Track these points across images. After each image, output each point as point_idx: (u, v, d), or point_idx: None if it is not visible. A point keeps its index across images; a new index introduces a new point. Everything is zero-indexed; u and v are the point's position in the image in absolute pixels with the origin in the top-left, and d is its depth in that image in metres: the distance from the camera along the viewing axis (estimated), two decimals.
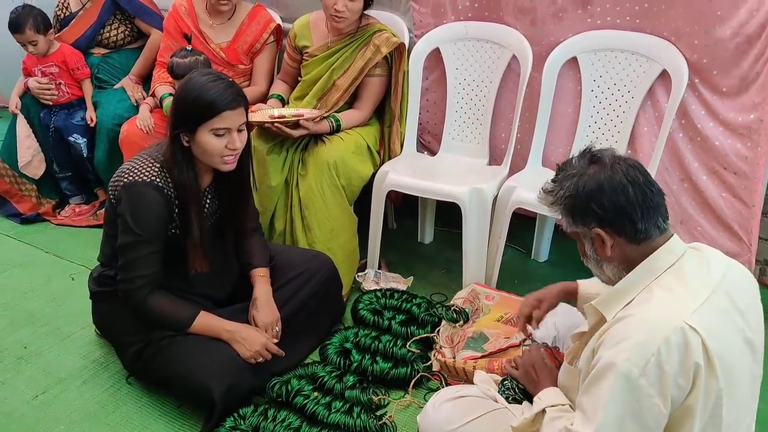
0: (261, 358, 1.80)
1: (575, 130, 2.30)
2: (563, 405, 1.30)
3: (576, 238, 1.30)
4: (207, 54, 2.56)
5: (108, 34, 3.01)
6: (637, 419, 1.09)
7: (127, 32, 3.03)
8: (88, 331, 2.16)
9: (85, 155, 2.96)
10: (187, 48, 2.46)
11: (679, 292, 1.15)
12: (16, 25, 2.79)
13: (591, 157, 1.25)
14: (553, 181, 1.29)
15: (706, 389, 1.10)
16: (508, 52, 2.37)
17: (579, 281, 1.65)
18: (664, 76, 2.11)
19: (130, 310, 1.79)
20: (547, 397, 1.34)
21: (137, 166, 1.75)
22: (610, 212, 1.19)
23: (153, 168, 1.75)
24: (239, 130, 1.74)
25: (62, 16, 3.02)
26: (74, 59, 2.92)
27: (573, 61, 2.26)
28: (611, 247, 1.22)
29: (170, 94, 2.60)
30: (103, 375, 1.97)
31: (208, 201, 1.87)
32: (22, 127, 2.95)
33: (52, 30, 2.88)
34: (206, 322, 1.80)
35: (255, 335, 1.81)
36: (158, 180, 1.74)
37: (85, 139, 2.94)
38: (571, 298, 1.68)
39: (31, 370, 2.00)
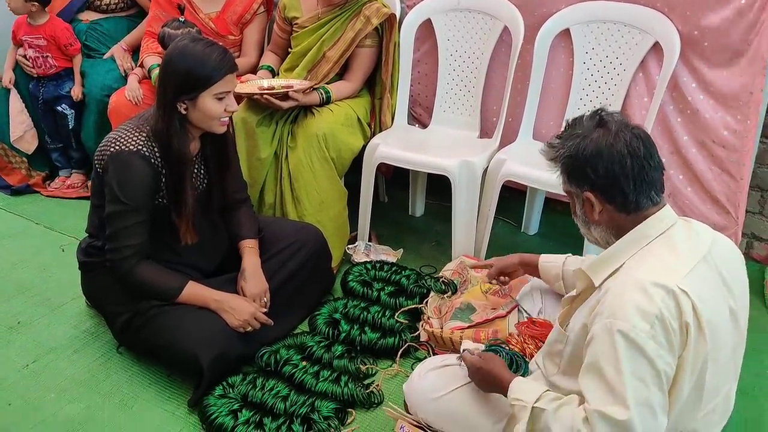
0: (249, 328, 1.82)
1: (566, 103, 2.29)
2: (545, 392, 1.24)
3: (568, 197, 1.31)
4: (197, 24, 2.53)
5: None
6: (656, 381, 1.10)
7: None
8: (78, 302, 2.17)
9: (71, 126, 2.94)
10: (180, 19, 2.42)
11: (669, 258, 1.17)
12: None
13: (599, 120, 1.24)
14: (558, 137, 1.28)
15: (695, 351, 1.12)
16: (499, 24, 2.35)
17: (541, 255, 1.73)
18: (656, 48, 2.09)
19: (118, 279, 1.80)
20: (524, 394, 1.25)
21: (123, 136, 1.75)
22: (603, 179, 1.20)
23: (139, 137, 1.74)
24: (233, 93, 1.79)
25: None
26: (65, 35, 2.86)
27: (565, 33, 2.24)
28: (599, 212, 1.23)
29: (158, 65, 2.57)
30: (94, 345, 1.99)
31: (195, 169, 1.87)
32: (15, 102, 2.93)
33: (38, 4, 2.79)
34: (194, 291, 1.81)
35: (243, 304, 1.83)
36: (145, 150, 1.74)
37: (73, 111, 2.92)
38: (530, 270, 1.77)
39: (21, 339, 2.01)
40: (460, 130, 2.50)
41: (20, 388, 1.82)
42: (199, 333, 1.74)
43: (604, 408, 1.09)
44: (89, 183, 2.95)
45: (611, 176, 1.19)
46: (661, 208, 1.22)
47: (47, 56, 2.87)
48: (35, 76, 2.90)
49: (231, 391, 1.74)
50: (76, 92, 2.88)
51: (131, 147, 1.72)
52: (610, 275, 1.22)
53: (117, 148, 1.73)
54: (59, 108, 2.91)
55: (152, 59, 2.63)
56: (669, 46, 2.02)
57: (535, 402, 1.21)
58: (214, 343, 1.74)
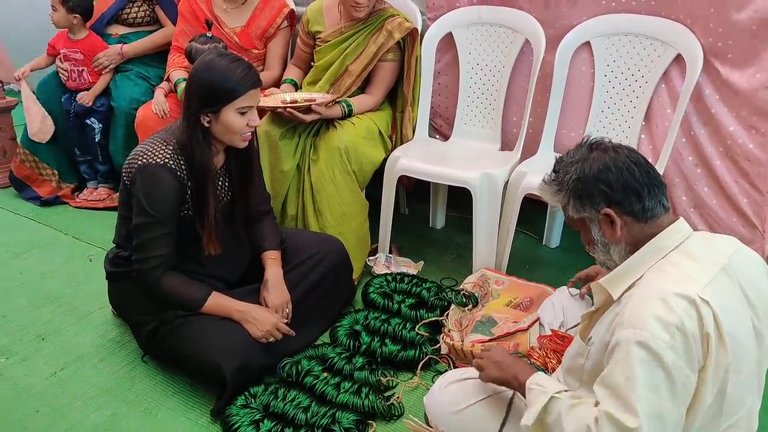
0: (272, 338, 1.84)
1: (588, 115, 2.29)
2: (567, 390, 1.25)
3: (580, 227, 1.30)
4: (221, 38, 2.58)
5: (130, 11, 3.03)
6: (672, 393, 1.08)
7: (148, 12, 3.05)
8: (105, 311, 2.21)
9: (97, 140, 3.00)
10: (207, 34, 2.47)
11: (689, 268, 1.16)
12: None
13: (590, 144, 1.28)
14: (554, 171, 1.30)
15: (716, 361, 1.11)
16: (521, 37, 2.36)
17: None
18: (678, 59, 2.08)
19: (144, 290, 1.83)
20: (545, 382, 1.26)
21: (150, 149, 1.79)
22: (619, 191, 1.21)
23: (166, 150, 1.78)
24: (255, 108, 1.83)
25: None
26: (100, 52, 2.96)
27: (586, 45, 2.24)
28: (621, 226, 1.22)
29: (184, 79, 2.62)
30: (120, 353, 2.03)
31: (219, 182, 1.90)
32: (27, 92, 2.98)
33: (80, 17, 2.90)
34: (218, 302, 1.84)
35: (266, 315, 1.85)
36: (171, 162, 1.78)
37: (101, 125, 2.99)
38: None
39: (50, 347, 2.05)
40: (481, 142, 2.51)
41: (48, 395, 1.86)
42: (223, 343, 1.76)
43: (615, 412, 1.08)
44: (115, 195, 3.01)
45: (626, 185, 1.21)
46: (675, 221, 1.23)
47: (83, 70, 2.96)
48: (69, 89, 2.98)
49: (253, 401, 1.76)
50: (88, 98, 2.96)
51: (158, 160, 1.76)
52: (629, 288, 1.21)
53: (144, 160, 1.77)
54: (88, 121, 2.99)
55: (178, 73, 2.69)
56: (691, 59, 2.01)
57: (555, 393, 1.21)
58: (237, 354, 1.76)
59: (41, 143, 3.03)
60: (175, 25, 2.91)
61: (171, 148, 1.79)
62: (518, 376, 1.31)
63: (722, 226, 2.09)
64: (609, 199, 1.22)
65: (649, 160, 2.13)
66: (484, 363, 1.40)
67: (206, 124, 1.77)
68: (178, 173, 1.78)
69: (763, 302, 1.22)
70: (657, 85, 2.14)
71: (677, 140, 2.07)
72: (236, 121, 1.76)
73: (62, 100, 3.02)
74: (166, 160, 1.77)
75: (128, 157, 1.83)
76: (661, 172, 2.04)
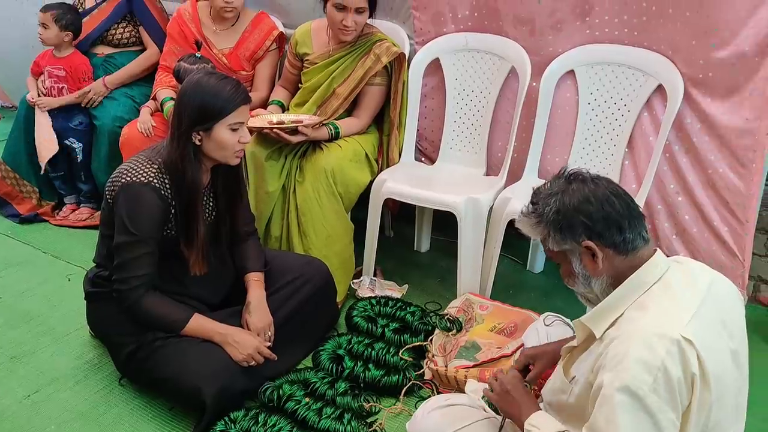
0: (253, 362, 1.81)
1: (572, 142, 2.31)
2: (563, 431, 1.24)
3: (561, 260, 1.29)
4: (210, 59, 2.58)
5: (115, 32, 3.02)
6: None
7: (133, 32, 3.04)
8: (82, 332, 2.17)
9: (80, 159, 2.97)
10: (196, 54, 2.48)
11: (670, 305, 1.16)
12: (47, 5, 2.86)
13: (569, 176, 1.28)
14: (532, 203, 1.29)
15: (700, 401, 1.10)
16: (507, 64, 2.39)
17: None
18: (660, 89, 2.12)
19: (124, 310, 1.80)
20: (541, 423, 1.26)
21: (135, 168, 1.77)
22: (599, 222, 1.20)
23: (151, 169, 1.77)
24: (246, 125, 1.84)
25: (79, 10, 3.03)
26: (83, 69, 2.95)
27: (570, 74, 2.27)
28: (602, 259, 1.21)
29: (171, 99, 2.62)
30: (96, 376, 1.98)
31: (204, 200, 1.89)
32: (43, 119, 2.91)
33: (71, 35, 2.89)
34: (200, 324, 1.81)
35: (247, 339, 1.82)
36: (156, 181, 1.76)
37: (81, 144, 2.95)
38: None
39: (24, 369, 2.01)
40: (466, 167, 2.53)
41: (21, 418, 1.81)
42: (203, 366, 1.73)
43: None
44: (97, 214, 2.97)
45: (607, 217, 1.20)
46: (653, 253, 1.23)
47: (63, 87, 2.94)
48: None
49: (233, 426, 1.72)
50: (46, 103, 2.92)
51: (142, 179, 1.75)
52: (611, 325, 1.20)
53: (128, 179, 1.75)
54: (66, 142, 2.94)
55: (165, 92, 2.68)
56: (672, 90, 2.05)
57: None
58: (217, 377, 1.73)
59: (22, 161, 2.99)
60: (158, 46, 2.92)
61: (156, 167, 1.78)
62: (521, 412, 1.31)
63: (703, 253, 2.11)
64: (590, 232, 1.21)
65: (632, 187, 2.19)
66: (495, 389, 1.40)
67: (198, 143, 1.76)
68: (163, 192, 1.77)
69: (739, 326, 1.24)
70: (639, 114, 2.17)
71: (659, 168, 2.10)
72: (228, 138, 1.76)
73: None
74: (150, 179, 1.76)
75: (112, 176, 1.81)
76: (643, 199, 2.08)
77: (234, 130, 1.77)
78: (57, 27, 2.85)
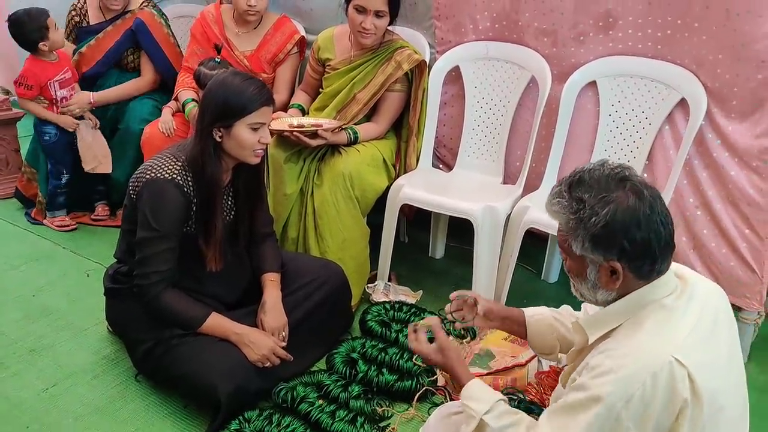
0: (268, 363, 1.82)
1: (591, 153, 2.31)
2: (497, 402, 1.30)
3: (574, 259, 1.22)
4: (231, 61, 2.61)
5: (127, 58, 3.00)
6: None
7: (136, 58, 3.01)
8: (100, 328, 2.20)
9: None
10: (216, 59, 2.50)
11: (666, 325, 1.15)
12: (37, 10, 2.67)
13: (628, 182, 1.16)
14: (575, 195, 1.17)
15: (692, 421, 1.10)
16: (527, 73, 2.39)
17: (524, 310, 1.59)
18: (683, 102, 2.11)
19: (143, 305, 1.82)
20: (473, 399, 1.31)
21: (159, 164, 1.80)
22: (638, 250, 1.14)
23: (175, 166, 1.80)
24: (268, 126, 1.85)
25: (80, 22, 2.98)
26: (68, 57, 2.86)
27: (592, 84, 2.27)
28: (620, 279, 1.17)
29: (193, 100, 2.65)
30: (113, 371, 2.00)
31: (224, 199, 1.91)
32: (85, 132, 2.85)
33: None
34: (217, 323, 1.83)
35: (263, 339, 1.84)
36: (179, 178, 1.79)
37: None
38: (515, 328, 1.60)
39: (43, 362, 2.03)
40: (483, 174, 2.53)
41: (39, 411, 1.83)
42: (219, 365, 1.75)
43: None
44: (118, 211, 3.00)
45: (646, 247, 1.14)
46: (665, 272, 1.20)
47: (73, 87, 2.88)
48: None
49: (247, 426, 1.74)
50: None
51: (166, 175, 1.78)
52: (605, 335, 1.20)
53: (152, 175, 1.78)
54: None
55: (187, 93, 2.71)
56: (695, 104, 2.04)
57: (485, 414, 1.27)
58: (233, 377, 1.75)
59: (38, 163, 2.96)
60: (161, 74, 2.94)
61: (180, 164, 1.81)
62: (458, 378, 1.41)
63: (720, 269, 2.10)
64: (623, 255, 1.15)
65: None
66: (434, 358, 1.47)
67: (218, 139, 1.79)
68: (185, 189, 1.79)
69: (728, 322, 1.24)
70: (661, 127, 2.17)
71: (679, 182, 2.09)
72: (248, 137, 1.79)
73: (44, 128, 2.85)
74: (174, 176, 1.78)
75: (137, 171, 1.84)
76: None
77: (254, 129, 1.79)
78: (57, 29, 2.74)
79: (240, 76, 1.82)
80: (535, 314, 1.58)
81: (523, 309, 1.60)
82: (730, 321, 1.24)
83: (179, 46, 3.04)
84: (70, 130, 2.84)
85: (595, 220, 1.14)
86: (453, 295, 1.62)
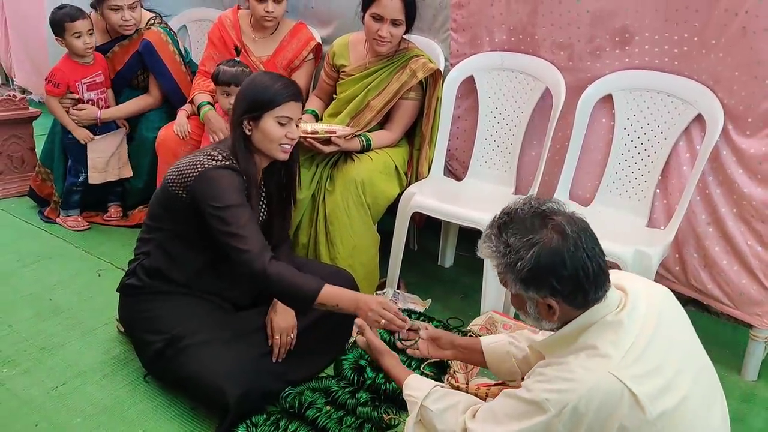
0: (383, 321, 1.69)
1: (605, 167, 2.31)
2: (433, 388, 1.43)
3: (513, 294, 1.29)
4: (248, 65, 2.63)
5: (139, 78, 3.01)
6: None
7: (145, 78, 3.02)
8: (110, 327, 2.21)
9: None
10: (235, 59, 2.56)
11: (608, 341, 1.20)
12: (72, 9, 2.73)
13: (544, 217, 1.23)
14: (501, 239, 1.24)
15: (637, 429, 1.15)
16: (541, 85, 2.40)
17: (481, 339, 1.65)
18: (699, 118, 2.11)
19: (258, 281, 1.75)
20: (413, 388, 1.45)
21: (200, 159, 1.82)
22: (568, 287, 1.21)
23: (219, 155, 1.84)
24: (296, 124, 1.89)
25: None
26: (105, 61, 2.90)
27: (608, 98, 2.27)
28: (557, 312, 1.24)
29: (208, 103, 2.68)
30: (122, 371, 2.01)
31: (258, 199, 1.94)
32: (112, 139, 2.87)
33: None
34: (329, 293, 1.76)
35: (373, 299, 1.74)
36: (229, 163, 1.83)
37: None
38: (473, 356, 1.65)
39: (53, 361, 2.05)
40: (495, 184, 2.53)
41: (48, 409, 1.84)
42: (228, 368, 1.76)
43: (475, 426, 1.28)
44: (130, 212, 3.03)
45: (576, 282, 1.20)
46: (606, 291, 1.25)
47: (104, 92, 2.92)
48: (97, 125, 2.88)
49: (254, 430, 1.74)
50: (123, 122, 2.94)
51: (213, 163, 1.81)
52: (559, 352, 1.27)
53: (199, 169, 1.80)
54: None
55: (202, 96, 2.73)
56: (712, 119, 2.04)
57: (423, 400, 1.40)
58: (242, 380, 1.75)
59: (53, 163, 2.99)
60: (167, 93, 2.94)
61: (223, 154, 1.85)
62: (396, 382, 1.53)
63: (731, 286, 2.10)
64: (555, 293, 1.22)
65: (662, 216, 2.17)
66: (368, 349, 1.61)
67: (248, 132, 1.84)
68: (237, 171, 1.83)
69: (676, 316, 1.31)
70: (676, 143, 2.16)
71: (692, 197, 2.08)
72: (274, 130, 1.83)
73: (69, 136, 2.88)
74: (225, 162, 1.83)
75: (178, 172, 1.84)
76: (675, 230, 2.06)
77: (282, 124, 1.84)
78: (90, 32, 2.77)
79: (270, 74, 1.92)
80: (492, 341, 1.64)
81: (481, 337, 1.67)
82: (677, 317, 1.30)
83: (185, 63, 3.00)
84: (82, 142, 2.86)
85: (521, 265, 1.20)
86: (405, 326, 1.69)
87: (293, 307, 1.86)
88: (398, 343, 1.66)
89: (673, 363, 1.20)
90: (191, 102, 2.80)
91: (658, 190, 2.22)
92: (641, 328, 1.21)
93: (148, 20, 2.95)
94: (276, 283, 1.73)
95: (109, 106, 2.95)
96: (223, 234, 1.75)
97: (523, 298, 1.27)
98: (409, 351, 1.68)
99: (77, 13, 2.76)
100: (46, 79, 2.84)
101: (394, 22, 2.34)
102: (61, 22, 2.74)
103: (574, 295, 1.22)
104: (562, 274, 1.19)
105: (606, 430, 1.15)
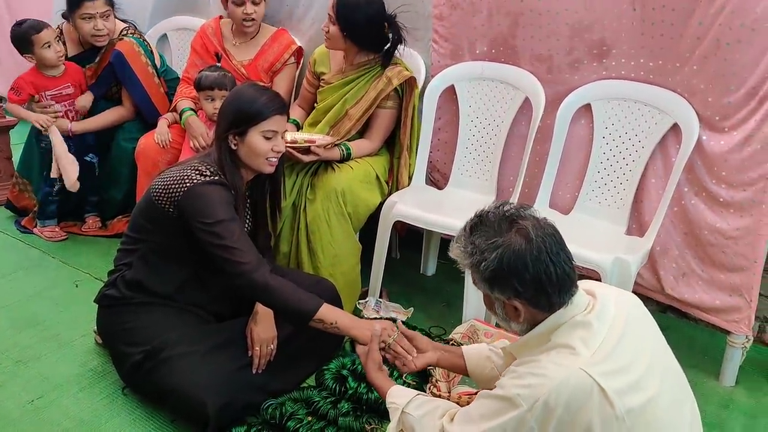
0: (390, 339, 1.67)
1: (584, 175, 2.33)
2: (415, 396, 1.45)
3: (483, 295, 1.33)
4: (229, 70, 2.64)
5: (113, 89, 2.95)
6: None
7: (117, 90, 2.97)
8: (88, 339, 2.18)
9: (97, 173, 2.92)
10: (216, 65, 2.57)
11: (579, 340, 1.23)
12: (35, 23, 2.64)
13: (512, 222, 1.26)
14: (471, 234, 1.28)
15: (605, 425, 1.16)
16: (521, 94, 2.42)
17: (463, 349, 1.66)
18: (675, 128, 2.14)
19: (257, 294, 1.76)
20: (396, 395, 1.47)
21: (193, 172, 1.80)
22: (530, 289, 1.24)
23: (206, 170, 1.82)
24: (282, 136, 1.89)
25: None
26: (80, 74, 2.84)
27: (586, 107, 2.30)
28: (523, 313, 1.28)
29: (191, 109, 2.66)
30: (100, 384, 1.98)
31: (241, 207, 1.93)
32: (58, 140, 2.74)
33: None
34: (327, 312, 1.75)
35: (369, 322, 1.76)
36: (217, 178, 1.82)
37: (98, 158, 2.91)
38: (455, 361, 1.66)
39: (28, 374, 2.01)
40: (476, 193, 2.54)
41: (24, 423, 1.81)
42: (208, 380, 1.74)
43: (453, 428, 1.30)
44: (108, 222, 2.99)
45: (538, 285, 1.23)
46: (573, 294, 1.27)
47: (72, 102, 2.84)
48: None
49: None
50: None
51: (201, 178, 1.79)
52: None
53: (188, 184, 1.78)
54: (87, 158, 2.86)
55: (185, 103, 2.72)
56: (688, 128, 2.07)
57: (405, 406, 1.42)
58: (222, 392, 1.74)
59: (30, 173, 2.95)
60: (139, 105, 2.89)
61: (211, 169, 1.83)
62: (380, 393, 1.53)
63: (709, 294, 2.13)
64: (518, 294, 1.25)
65: (640, 224, 2.19)
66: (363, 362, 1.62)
67: (233, 147, 1.83)
68: (225, 185, 1.82)
69: (645, 325, 1.34)
70: (653, 152, 2.19)
71: (669, 207, 2.11)
72: (261, 144, 1.82)
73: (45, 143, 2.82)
74: (210, 176, 1.81)
75: (162, 188, 1.81)
76: (652, 239, 2.09)
77: (268, 138, 1.83)
78: (58, 39, 2.72)
79: (254, 86, 1.88)
80: (472, 348, 1.67)
81: (462, 346, 1.70)
82: (645, 322, 1.33)
83: (159, 75, 2.95)
84: (43, 127, 2.72)
85: (485, 265, 1.24)
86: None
87: (291, 322, 1.82)
88: (387, 355, 1.65)
89: (641, 363, 1.23)
90: (174, 109, 2.79)
91: (636, 201, 2.24)
92: (610, 329, 1.24)
93: (121, 30, 2.88)
94: (278, 295, 1.73)
95: (82, 117, 2.88)
96: (216, 248, 1.74)
97: (491, 298, 1.31)
98: (398, 363, 1.66)
99: (40, 24, 2.69)
100: (10, 87, 2.78)
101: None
102: (27, 36, 2.66)
103: (537, 298, 1.25)
104: (524, 276, 1.22)
105: (576, 425, 1.17)
